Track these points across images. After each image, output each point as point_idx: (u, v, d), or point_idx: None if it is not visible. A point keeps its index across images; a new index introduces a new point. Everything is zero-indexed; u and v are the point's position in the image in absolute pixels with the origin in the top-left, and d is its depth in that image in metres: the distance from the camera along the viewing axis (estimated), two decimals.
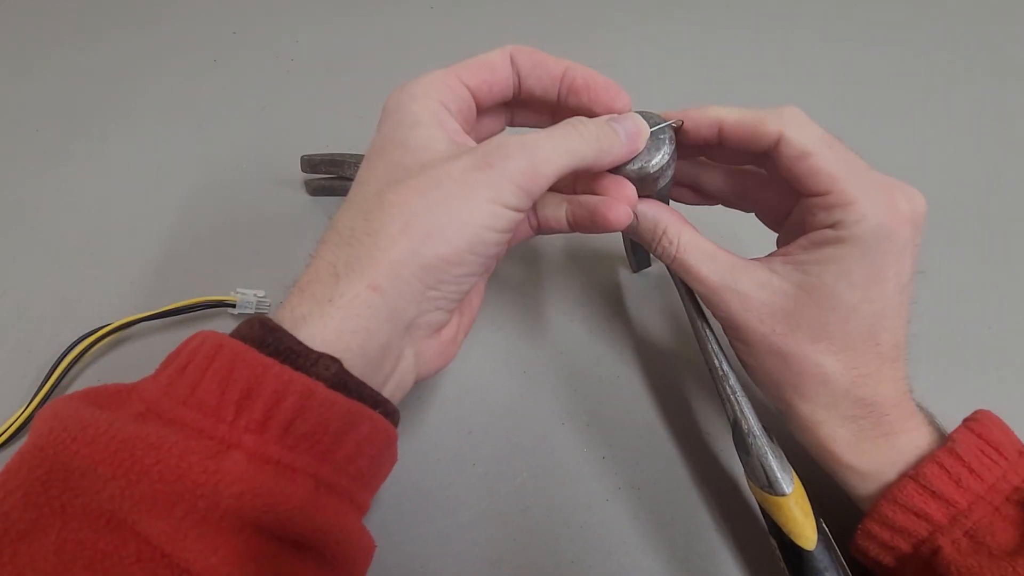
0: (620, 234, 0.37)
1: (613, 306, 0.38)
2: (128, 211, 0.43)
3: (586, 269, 0.40)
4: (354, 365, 0.22)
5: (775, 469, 0.26)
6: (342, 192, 0.42)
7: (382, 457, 0.23)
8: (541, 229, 0.29)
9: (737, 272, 0.26)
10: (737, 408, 0.27)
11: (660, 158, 0.27)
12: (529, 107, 0.30)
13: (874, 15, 0.59)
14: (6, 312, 0.37)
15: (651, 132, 0.27)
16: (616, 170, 0.28)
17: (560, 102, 0.28)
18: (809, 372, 0.25)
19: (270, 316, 0.22)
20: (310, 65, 0.53)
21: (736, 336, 0.27)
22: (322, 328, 0.21)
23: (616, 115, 0.27)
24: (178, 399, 0.20)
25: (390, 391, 0.24)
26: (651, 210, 0.28)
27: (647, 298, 0.39)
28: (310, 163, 0.41)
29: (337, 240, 0.23)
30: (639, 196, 0.29)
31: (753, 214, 0.31)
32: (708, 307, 0.28)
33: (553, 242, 0.41)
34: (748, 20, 0.58)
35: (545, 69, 0.27)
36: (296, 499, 0.19)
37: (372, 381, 0.22)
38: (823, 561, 0.25)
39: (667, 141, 0.27)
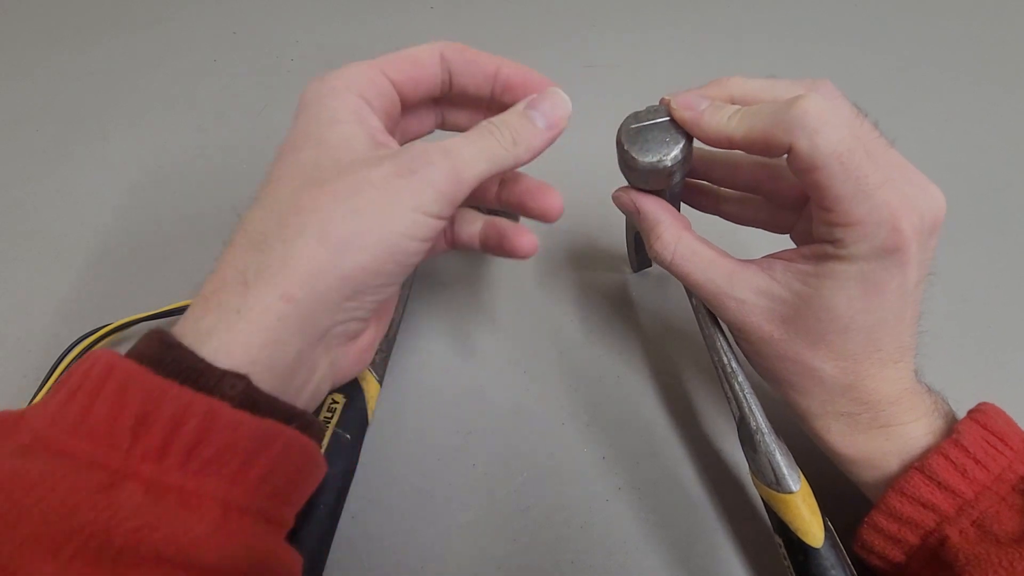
0: (624, 233, 0.37)
1: (613, 306, 0.38)
2: (128, 211, 0.43)
3: (586, 269, 0.40)
4: (263, 380, 0.20)
5: (783, 467, 0.26)
6: None
7: (302, 472, 0.22)
8: (455, 245, 0.29)
9: (735, 278, 0.26)
10: (745, 405, 0.27)
11: (673, 155, 0.26)
12: (461, 106, 0.29)
13: (875, 15, 0.59)
14: (6, 312, 0.37)
15: (665, 126, 0.26)
16: (630, 163, 0.27)
17: (495, 99, 0.27)
18: (807, 375, 0.26)
19: (171, 330, 0.21)
20: (310, 65, 0.53)
21: (738, 336, 0.28)
22: (228, 342, 0.20)
23: (533, 97, 0.26)
24: (66, 427, 0.18)
25: (305, 402, 0.23)
26: (654, 208, 0.28)
27: (647, 298, 0.39)
28: None
29: (247, 244, 0.22)
30: (650, 190, 0.28)
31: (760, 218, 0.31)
32: (711, 309, 0.28)
33: (553, 242, 0.41)
34: (748, 20, 0.58)
35: (477, 66, 0.26)
36: (201, 527, 0.18)
37: (284, 394, 0.21)
38: (830, 559, 0.25)
39: (682, 138, 0.26)
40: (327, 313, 0.22)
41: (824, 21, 0.58)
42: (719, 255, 0.27)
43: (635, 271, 0.39)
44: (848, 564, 0.26)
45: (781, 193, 0.29)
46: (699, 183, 0.32)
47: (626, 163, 0.27)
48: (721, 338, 0.29)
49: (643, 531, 0.30)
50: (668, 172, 0.27)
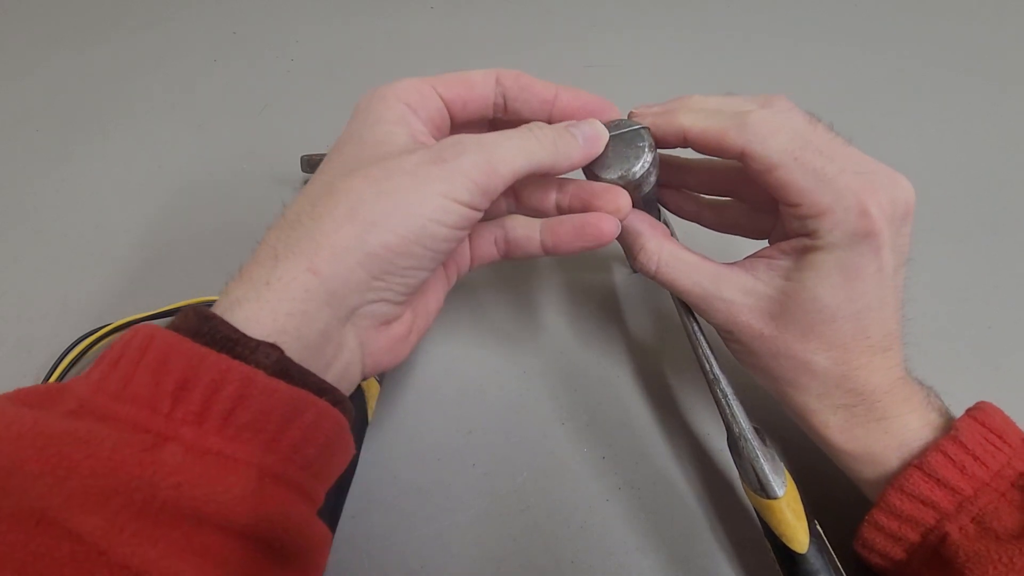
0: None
1: (613, 306, 0.38)
2: (128, 211, 0.43)
3: (586, 269, 0.40)
4: (291, 349, 0.21)
5: (767, 472, 0.26)
6: None
7: (333, 446, 0.22)
8: (510, 252, 0.29)
9: (721, 281, 0.27)
10: (728, 411, 0.27)
11: (641, 165, 0.27)
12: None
13: (875, 15, 0.59)
14: (6, 312, 0.38)
15: (628, 139, 0.27)
16: (598, 179, 0.28)
17: (551, 123, 0.28)
18: (800, 369, 0.26)
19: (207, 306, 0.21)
20: (310, 65, 0.53)
21: (728, 337, 0.28)
22: (256, 310, 0.21)
23: (574, 121, 0.27)
24: (111, 394, 0.19)
25: (333, 380, 0.23)
26: (634, 223, 0.29)
27: (647, 298, 0.39)
28: (310, 163, 0.41)
29: (282, 224, 0.23)
30: None
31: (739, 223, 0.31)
32: (698, 313, 0.28)
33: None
34: (748, 20, 0.58)
35: (533, 92, 0.27)
36: (238, 489, 0.19)
37: (312, 367, 0.22)
38: (816, 564, 0.25)
39: (646, 148, 0.27)
40: (354, 290, 0.22)
41: (824, 21, 0.58)
42: (702, 259, 0.28)
43: (635, 271, 0.39)
44: (837, 568, 0.26)
45: (756, 196, 0.30)
46: (678, 188, 0.32)
47: (594, 180, 0.28)
48: (705, 345, 0.29)
49: (642, 531, 0.30)
50: (636, 184, 0.27)
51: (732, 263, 0.28)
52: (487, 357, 0.36)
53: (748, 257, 0.28)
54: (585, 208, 0.28)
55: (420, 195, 0.22)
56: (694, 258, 0.28)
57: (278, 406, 0.20)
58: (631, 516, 0.31)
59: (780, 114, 0.25)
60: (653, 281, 0.29)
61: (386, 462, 0.32)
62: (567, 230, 0.28)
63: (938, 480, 0.24)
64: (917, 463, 0.24)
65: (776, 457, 0.27)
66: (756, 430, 0.27)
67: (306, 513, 0.21)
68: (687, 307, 0.29)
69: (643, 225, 0.28)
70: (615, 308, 0.38)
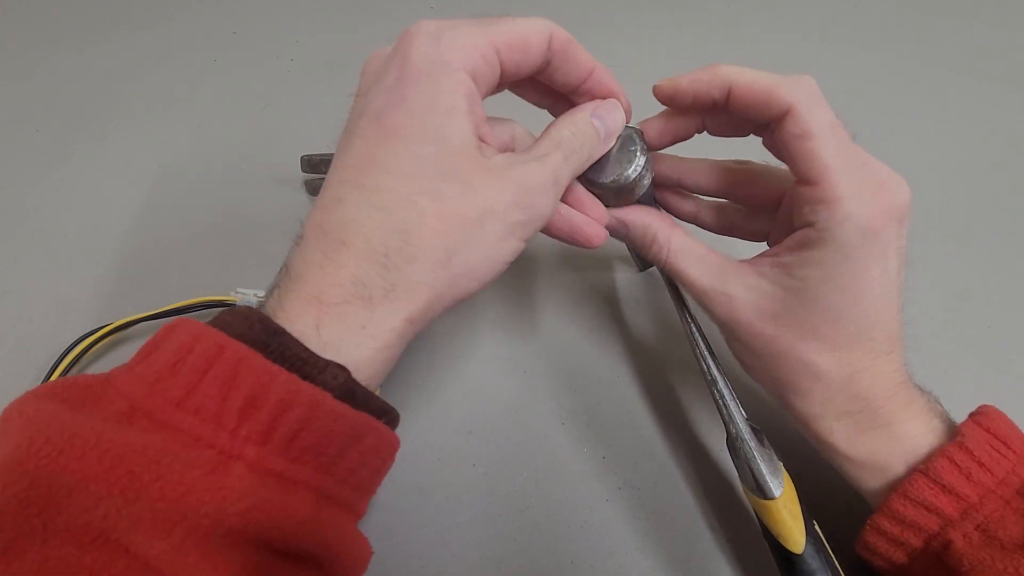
0: None
1: (613, 306, 0.38)
2: (128, 211, 0.43)
3: (587, 269, 0.40)
4: (373, 383, 0.22)
5: (763, 473, 0.26)
6: None
7: (384, 466, 0.23)
8: None
9: (726, 275, 0.26)
10: (725, 412, 0.27)
11: (634, 168, 0.27)
12: (535, 88, 0.28)
13: (875, 15, 0.59)
14: (6, 312, 0.37)
15: (621, 142, 0.27)
16: (593, 184, 0.28)
17: (572, 94, 0.27)
18: (802, 371, 0.25)
19: (270, 312, 0.21)
20: (310, 65, 0.53)
21: (730, 336, 0.28)
22: (357, 358, 0.21)
23: (598, 104, 0.27)
24: (172, 400, 0.18)
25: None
26: (640, 217, 0.29)
27: (647, 298, 0.39)
28: (310, 163, 0.41)
29: (368, 255, 0.21)
30: (619, 205, 0.29)
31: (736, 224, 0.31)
32: (701, 307, 0.28)
33: (554, 241, 0.41)
34: (749, 20, 0.58)
35: (576, 64, 0.26)
36: (300, 514, 0.19)
37: (369, 387, 0.22)
38: (812, 564, 0.25)
39: (639, 151, 0.27)
40: (427, 324, 0.23)
41: (824, 21, 0.58)
42: (709, 251, 0.28)
43: (641, 270, 0.39)
44: (835, 568, 0.26)
45: (754, 197, 0.29)
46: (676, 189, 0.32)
47: (589, 187, 0.28)
48: (703, 345, 0.29)
49: (642, 531, 0.30)
50: (630, 187, 0.27)
51: (739, 260, 0.27)
52: (487, 357, 0.36)
53: (755, 256, 0.27)
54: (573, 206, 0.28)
55: (506, 245, 0.23)
56: (702, 249, 0.27)
57: (341, 431, 0.20)
58: (631, 516, 0.31)
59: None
60: (663, 270, 0.28)
61: None
62: (563, 222, 0.28)
63: (943, 486, 0.23)
64: (922, 468, 0.24)
65: (774, 457, 0.27)
66: (754, 430, 0.27)
67: (354, 532, 0.21)
68: (686, 308, 0.29)
69: (651, 216, 0.28)
70: (615, 308, 0.38)
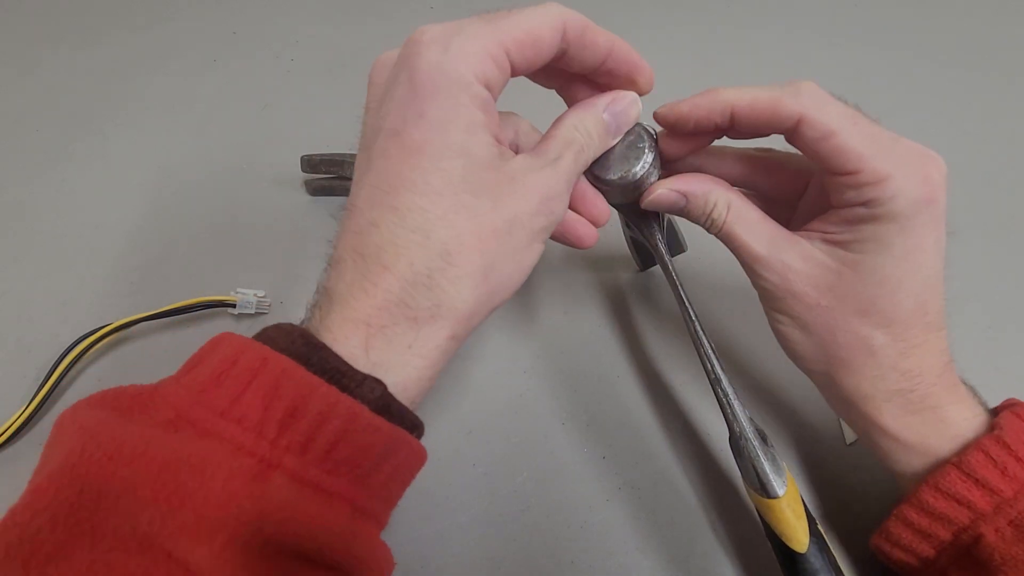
0: (621, 233, 0.37)
1: (613, 305, 0.38)
2: (128, 211, 0.43)
3: (587, 268, 0.40)
4: (416, 400, 0.22)
5: (767, 472, 0.26)
6: (342, 192, 0.42)
7: (411, 479, 0.23)
8: None
9: (782, 243, 0.26)
10: (729, 411, 0.27)
11: (641, 165, 0.27)
12: (546, 73, 0.27)
13: (875, 14, 0.59)
14: (6, 312, 0.37)
15: (629, 139, 0.27)
16: (599, 180, 0.27)
17: (591, 75, 0.26)
18: (856, 346, 0.25)
19: (312, 332, 0.21)
20: (310, 65, 0.53)
21: (778, 309, 0.26)
22: (405, 377, 0.21)
23: (615, 97, 0.26)
24: (215, 409, 0.19)
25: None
26: (699, 185, 0.27)
27: (647, 298, 0.39)
28: (310, 163, 0.41)
29: (412, 279, 0.21)
30: (626, 202, 0.29)
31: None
32: (751, 277, 0.27)
33: (553, 243, 0.41)
34: (749, 20, 0.58)
35: (594, 49, 0.24)
36: (336, 526, 0.19)
37: (413, 404, 0.22)
38: (816, 563, 0.25)
39: (647, 149, 0.27)
40: (467, 339, 0.23)
41: (824, 20, 0.58)
42: (764, 217, 0.27)
43: (641, 270, 0.39)
44: (837, 568, 0.26)
45: (778, 186, 0.29)
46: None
47: (595, 182, 0.28)
48: (707, 344, 0.28)
49: (642, 531, 0.30)
50: (635, 185, 0.27)
51: (792, 232, 0.26)
52: (487, 357, 0.36)
53: (801, 230, 0.26)
54: (572, 203, 0.28)
55: (533, 252, 0.24)
56: (759, 215, 0.27)
57: (377, 444, 0.20)
58: (631, 516, 0.31)
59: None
60: (717, 236, 0.27)
61: None
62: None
63: (976, 480, 0.23)
64: (956, 461, 0.23)
65: (777, 457, 0.27)
66: (758, 430, 0.27)
67: (380, 543, 0.22)
68: (690, 306, 0.29)
69: (708, 182, 0.27)
70: (616, 308, 0.38)
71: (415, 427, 0.22)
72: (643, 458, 0.33)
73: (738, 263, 0.27)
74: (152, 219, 0.42)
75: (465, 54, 0.21)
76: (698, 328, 0.29)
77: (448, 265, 0.21)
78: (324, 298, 0.22)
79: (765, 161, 0.29)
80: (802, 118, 0.23)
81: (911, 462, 0.25)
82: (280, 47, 0.55)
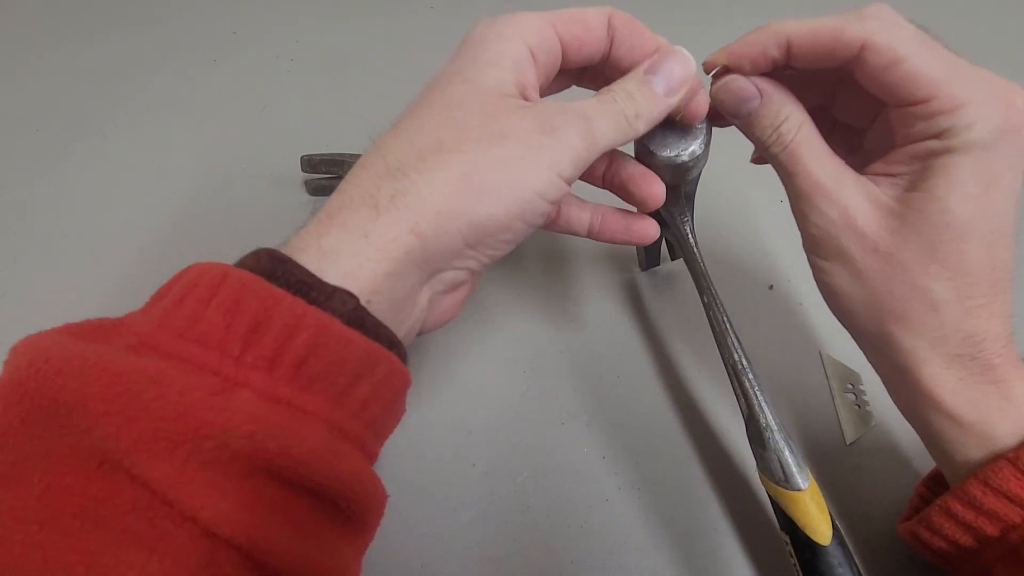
0: None
1: (614, 305, 0.38)
2: (128, 211, 0.43)
3: (588, 267, 0.40)
4: (378, 308, 0.20)
5: (792, 464, 0.26)
6: None
7: (394, 404, 0.21)
8: (557, 225, 0.28)
9: (845, 178, 0.23)
10: (756, 402, 0.27)
11: (695, 147, 0.26)
12: (599, 77, 0.27)
13: None
14: (6, 312, 0.37)
15: (686, 123, 0.26)
16: (647, 157, 0.27)
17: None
18: (916, 299, 0.22)
19: (281, 248, 0.20)
20: (310, 65, 0.53)
21: (830, 254, 0.24)
22: (355, 267, 0.20)
23: (655, 58, 0.24)
24: (176, 331, 0.18)
25: (400, 337, 0.22)
26: (778, 90, 0.25)
27: (647, 298, 0.39)
28: (310, 163, 0.41)
29: (382, 170, 0.21)
30: (667, 184, 0.28)
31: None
32: (805, 212, 0.24)
33: (555, 240, 0.41)
34: (749, 20, 0.58)
35: (640, 40, 0.25)
36: (310, 444, 0.17)
37: (389, 324, 0.21)
38: (837, 556, 0.25)
39: (703, 130, 0.26)
40: (447, 256, 0.21)
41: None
42: (831, 151, 0.24)
43: (643, 269, 0.39)
44: (855, 563, 0.26)
45: (845, 109, 0.26)
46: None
47: (642, 156, 0.27)
48: (732, 334, 0.28)
49: (642, 531, 0.30)
50: (686, 167, 0.27)
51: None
52: (487, 357, 0.36)
53: (863, 172, 0.24)
54: (622, 186, 0.27)
55: (531, 167, 0.21)
56: (826, 147, 0.24)
57: (351, 358, 0.19)
58: (631, 516, 0.31)
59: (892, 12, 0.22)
60: (774, 159, 0.25)
61: (386, 462, 0.32)
62: (618, 223, 0.27)
63: None
64: (1011, 457, 0.21)
65: (796, 450, 0.27)
66: (780, 423, 0.27)
67: (370, 471, 0.20)
68: (715, 294, 0.29)
69: (790, 99, 0.25)
70: (616, 308, 0.38)
71: (393, 345, 0.20)
72: (643, 458, 0.33)
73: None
74: (152, 219, 0.42)
75: (511, 23, 0.23)
76: (724, 319, 0.29)
77: (421, 162, 0.21)
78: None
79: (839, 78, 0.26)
80: (866, 44, 0.21)
81: (967, 446, 0.23)
82: (280, 47, 0.55)
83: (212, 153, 0.46)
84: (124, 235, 0.41)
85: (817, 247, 0.24)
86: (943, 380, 0.22)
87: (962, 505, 0.23)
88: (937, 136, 0.21)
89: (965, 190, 0.21)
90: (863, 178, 0.23)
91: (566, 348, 0.36)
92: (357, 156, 0.40)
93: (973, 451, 0.23)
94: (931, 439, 0.24)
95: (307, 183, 0.43)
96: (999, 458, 0.22)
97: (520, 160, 0.21)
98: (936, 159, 0.21)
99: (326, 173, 0.42)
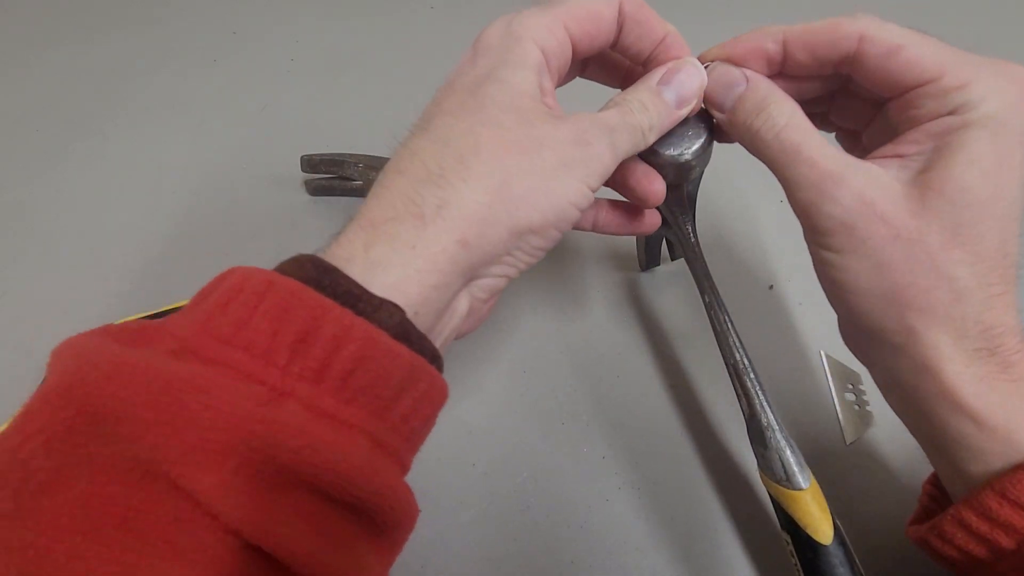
0: None
1: (614, 305, 0.38)
2: (128, 211, 0.43)
3: (588, 268, 0.40)
4: (423, 321, 0.20)
5: (793, 463, 0.26)
6: (342, 192, 0.42)
7: (432, 419, 0.21)
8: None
9: (853, 163, 0.22)
10: (757, 402, 0.27)
11: (698, 146, 0.26)
12: (605, 67, 0.28)
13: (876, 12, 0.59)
14: (6, 312, 0.37)
15: (691, 118, 0.26)
16: (650, 155, 0.27)
17: (644, 64, 0.26)
18: (944, 288, 0.21)
19: (323, 253, 0.20)
20: (310, 65, 0.53)
21: (845, 247, 0.22)
22: (404, 279, 0.19)
23: (669, 68, 0.25)
24: (220, 336, 0.17)
25: (439, 345, 0.22)
26: (765, 81, 0.25)
27: (648, 297, 0.39)
28: (310, 163, 0.41)
29: (423, 176, 0.21)
30: (668, 183, 0.28)
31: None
32: (814, 204, 0.22)
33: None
34: (748, 21, 0.58)
35: (649, 28, 0.25)
36: (355, 459, 0.17)
37: (429, 334, 0.21)
38: (838, 556, 0.25)
39: (706, 129, 0.27)
40: (486, 263, 0.22)
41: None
42: (826, 140, 0.23)
43: (644, 269, 0.39)
44: (856, 562, 0.26)
45: (841, 113, 0.27)
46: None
47: (645, 154, 0.27)
48: (733, 334, 0.28)
49: (642, 531, 0.30)
50: (688, 166, 0.27)
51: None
52: (487, 357, 0.36)
53: (869, 158, 0.23)
54: (623, 182, 0.27)
55: (566, 178, 0.22)
56: (821, 136, 0.23)
57: (397, 372, 0.18)
58: (631, 516, 0.31)
59: None
60: (767, 148, 0.24)
61: None
62: (620, 215, 0.27)
63: None
64: None
65: (797, 449, 0.27)
66: (781, 423, 0.27)
67: (405, 487, 0.20)
68: (716, 293, 0.29)
69: (779, 89, 0.24)
70: (617, 308, 0.38)
71: (435, 359, 0.20)
72: (643, 458, 0.33)
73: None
74: (152, 219, 0.42)
75: (523, 24, 0.23)
76: (726, 318, 0.29)
77: (461, 166, 0.21)
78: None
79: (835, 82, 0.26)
80: (864, 36, 0.22)
81: (983, 451, 0.21)
82: (280, 47, 0.55)
83: (212, 153, 0.46)
84: (124, 235, 0.41)
85: (829, 240, 0.22)
86: (965, 377, 0.21)
87: (976, 516, 0.21)
88: (952, 112, 0.21)
89: (983, 166, 0.20)
90: (870, 163, 0.22)
91: (566, 348, 0.36)
92: (357, 156, 0.41)
93: (992, 456, 0.21)
94: (944, 445, 0.22)
95: (307, 183, 0.43)
96: (1017, 469, 0.20)
97: (556, 171, 0.22)
98: (952, 135, 0.21)
99: (326, 173, 0.42)
